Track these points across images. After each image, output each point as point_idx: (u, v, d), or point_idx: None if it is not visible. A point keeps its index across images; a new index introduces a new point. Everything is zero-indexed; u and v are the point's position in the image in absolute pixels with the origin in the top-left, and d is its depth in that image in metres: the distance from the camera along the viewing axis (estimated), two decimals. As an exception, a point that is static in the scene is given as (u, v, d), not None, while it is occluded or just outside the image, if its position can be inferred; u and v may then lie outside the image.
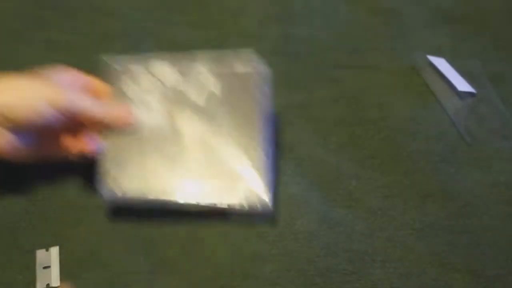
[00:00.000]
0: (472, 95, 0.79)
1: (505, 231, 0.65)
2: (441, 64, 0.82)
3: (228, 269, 0.61)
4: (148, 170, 0.62)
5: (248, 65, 0.66)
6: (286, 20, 0.90)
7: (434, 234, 0.65)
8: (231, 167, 0.62)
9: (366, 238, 0.64)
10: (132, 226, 0.64)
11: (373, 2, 0.94)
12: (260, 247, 0.63)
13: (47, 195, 0.66)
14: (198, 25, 0.89)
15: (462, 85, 0.79)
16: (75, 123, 0.63)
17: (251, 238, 0.64)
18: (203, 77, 0.66)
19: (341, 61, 0.84)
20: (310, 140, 0.72)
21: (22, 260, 0.62)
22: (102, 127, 0.64)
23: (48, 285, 0.60)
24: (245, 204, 0.61)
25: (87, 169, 0.65)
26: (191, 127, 0.64)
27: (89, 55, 0.83)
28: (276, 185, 0.67)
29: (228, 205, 0.61)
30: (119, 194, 0.62)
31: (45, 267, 0.61)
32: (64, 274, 0.61)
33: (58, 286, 0.60)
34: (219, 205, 0.61)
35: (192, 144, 0.63)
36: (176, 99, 0.65)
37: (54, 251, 0.62)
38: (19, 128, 0.59)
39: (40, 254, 0.62)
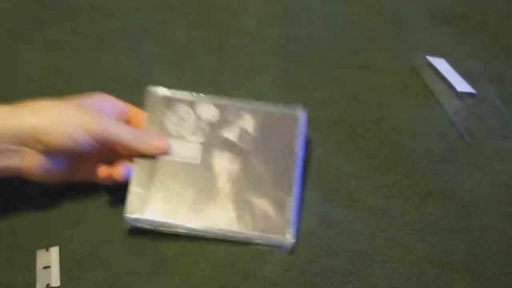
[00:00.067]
0: (472, 95, 0.79)
1: (505, 231, 0.65)
2: (441, 64, 0.82)
3: (228, 269, 0.61)
4: (174, 196, 0.63)
5: (285, 106, 0.69)
6: (286, 20, 0.90)
7: (434, 234, 0.65)
8: (257, 203, 0.64)
9: (366, 238, 0.64)
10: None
11: (373, 2, 0.94)
12: (260, 247, 0.63)
13: (48, 195, 0.66)
14: (198, 25, 0.89)
15: (461, 85, 0.79)
16: (108, 149, 0.64)
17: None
18: (239, 114, 0.68)
19: (341, 61, 0.84)
20: (310, 140, 0.72)
21: (22, 260, 0.62)
22: (135, 154, 0.64)
23: (48, 285, 0.60)
24: (268, 239, 0.62)
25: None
26: (221, 161, 0.65)
27: (89, 55, 0.83)
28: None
29: (251, 239, 0.62)
30: (143, 216, 0.62)
31: (45, 267, 0.61)
32: (64, 274, 0.61)
33: (58, 286, 0.60)
34: (241, 239, 0.62)
35: (221, 177, 0.65)
36: (210, 133, 0.67)
37: (54, 251, 0.62)
38: (51, 151, 0.60)
39: (40, 254, 0.62)
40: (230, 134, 0.67)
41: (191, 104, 0.68)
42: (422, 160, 0.72)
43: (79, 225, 0.65)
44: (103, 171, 0.64)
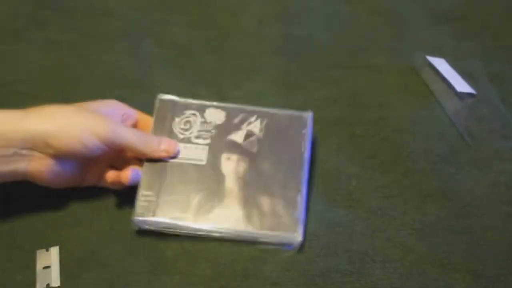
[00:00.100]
0: (471, 95, 0.79)
1: (505, 231, 0.65)
2: (441, 64, 0.82)
3: (228, 269, 0.61)
4: (182, 198, 0.64)
5: (292, 110, 0.70)
6: (286, 20, 0.90)
7: (434, 234, 0.65)
8: (265, 202, 0.64)
9: (366, 238, 0.64)
10: (132, 226, 0.64)
11: (373, 2, 0.94)
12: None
13: (48, 195, 0.66)
14: (198, 25, 0.89)
15: (461, 86, 0.79)
16: (116, 154, 0.65)
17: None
18: (245, 117, 0.69)
19: (341, 61, 0.84)
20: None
21: (22, 260, 0.62)
22: (143, 158, 0.65)
23: (48, 285, 0.60)
24: (277, 237, 0.62)
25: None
26: (228, 162, 0.66)
27: (89, 55, 0.83)
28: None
29: (259, 237, 0.63)
30: (152, 219, 0.62)
31: (45, 267, 0.61)
32: (64, 274, 0.61)
33: (58, 286, 0.60)
34: (250, 238, 0.63)
35: (229, 177, 0.65)
36: (217, 135, 0.67)
37: (54, 251, 0.62)
38: (61, 156, 0.60)
39: (40, 254, 0.62)
40: (237, 136, 0.68)
41: (198, 109, 0.69)
42: (422, 160, 0.72)
43: (79, 225, 0.65)
44: (112, 176, 0.64)
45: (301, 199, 0.64)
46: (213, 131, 0.68)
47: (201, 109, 0.69)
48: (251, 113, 0.69)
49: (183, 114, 0.69)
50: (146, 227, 0.63)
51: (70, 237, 0.63)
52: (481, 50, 0.86)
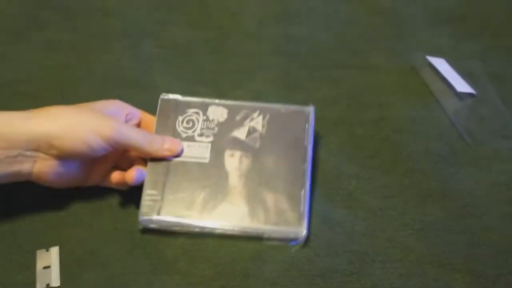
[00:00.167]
0: (471, 95, 0.79)
1: (505, 231, 0.65)
2: (441, 64, 0.82)
3: (228, 269, 0.61)
4: (186, 196, 0.64)
5: (293, 105, 0.71)
6: (286, 20, 0.90)
7: (434, 234, 0.65)
8: (269, 198, 0.64)
9: (366, 238, 0.64)
10: (132, 226, 0.64)
11: (373, 2, 0.94)
12: (260, 247, 0.63)
13: (48, 195, 0.66)
14: (198, 25, 0.89)
15: (461, 86, 0.79)
16: (120, 154, 0.66)
17: (251, 238, 0.64)
18: (247, 114, 0.69)
19: (341, 61, 0.84)
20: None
21: (22, 260, 0.62)
22: (147, 157, 0.66)
23: (48, 285, 0.60)
24: (281, 232, 0.63)
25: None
26: (231, 159, 0.66)
27: (89, 55, 0.83)
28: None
29: (264, 233, 0.63)
30: (157, 217, 0.63)
31: (45, 267, 0.61)
32: (64, 274, 0.61)
33: (58, 286, 0.60)
34: (255, 233, 0.63)
35: (232, 174, 0.66)
36: (219, 133, 0.68)
37: (54, 251, 0.62)
38: (65, 156, 0.60)
39: (40, 254, 0.62)
40: (239, 133, 0.68)
41: (201, 107, 0.70)
42: (422, 160, 0.72)
43: (79, 225, 0.65)
44: (116, 176, 0.65)
45: (304, 193, 0.65)
46: (216, 128, 0.68)
47: (204, 107, 0.70)
48: (253, 109, 0.70)
49: (185, 112, 0.69)
50: (152, 226, 0.63)
51: (70, 237, 0.63)
52: (481, 50, 0.86)
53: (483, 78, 0.81)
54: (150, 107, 0.71)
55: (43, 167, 0.60)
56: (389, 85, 0.81)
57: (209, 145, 0.67)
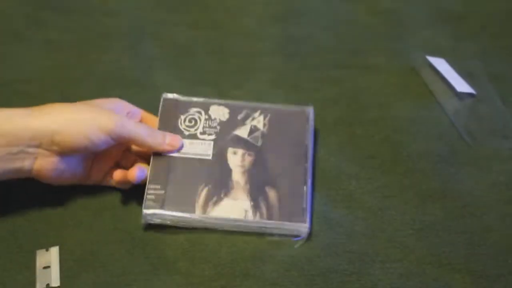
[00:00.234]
0: (471, 95, 0.79)
1: (505, 231, 0.65)
2: (441, 64, 0.82)
3: (228, 269, 0.61)
4: (189, 191, 0.65)
5: (294, 105, 0.72)
6: (286, 20, 0.90)
7: (434, 234, 0.65)
8: (272, 193, 0.65)
9: (366, 238, 0.64)
10: (132, 226, 0.64)
11: (373, 2, 0.94)
12: (260, 247, 0.63)
13: (47, 195, 0.66)
14: (198, 25, 0.89)
15: (461, 86, 0.79)
16: (123, 152, 0.66)
17: (251, 238, 0.64)
18: (249, 113, 0.70)
19: (341, 61, 0.84)
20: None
21: (22, 260, 0.62)
22: (148, 151, 0.66)
23: (48, 285, 0.60)
24: (284, 227, 0.63)
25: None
26: (233, 156, 0.67)
27: (89, 55, 0.83)
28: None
29: (267, 228, 0.63)
30: (160, 211, 0.63)
31: (45, 267, 0.61)
32: (64, 274, 0.61)
33: (58, 286, 0.60)
34: (257, 228, 0.63)
35: (235, 171, 0.66)
36: (221, 131, 0.69)
37: (54, 251, 0.62)
38: (67, 152, 0.61)
39: (40, 254, 0.62)
40: (241, 131, 0.69)
41: (202, 107, 0.71)
42: (422, 160, 0.72)
43: (79, 225, 0.65)
44: (119, 174, 0.65)
45: (307, 190, 0.65)
46: (218, 127, 0.69)
47: (205, 107, 0.71)
48: (254, 109, 0.71)
49: (187, 112, 0.70)
50: (155, 220, 0.63)
51: (70, 237, 0.63)
52: (481, 50, 0.86)
53: (483, 78, 0.81)
54: (150, 107, 0.71)
55: (44, 164, 0.60)
56: (389, 85, 0.81)
57: (212, 143, 0.68)
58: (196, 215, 0.63)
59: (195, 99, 0.71)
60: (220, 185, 0.65)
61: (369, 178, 0.70)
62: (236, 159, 0.67)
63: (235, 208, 0.64)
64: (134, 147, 0.67)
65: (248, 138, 0.69)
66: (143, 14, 0.90)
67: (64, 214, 0.65)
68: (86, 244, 0.63)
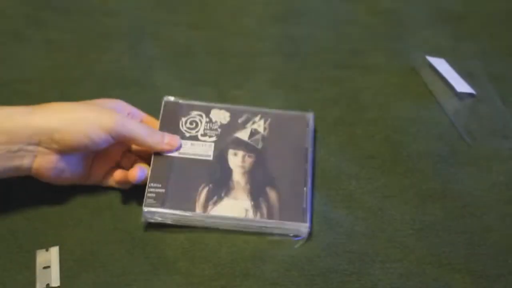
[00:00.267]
0: (471, 96, 0.79)
1: (505, 231, 0.65)
2: (441, 64, 0.82)
3: (228, 269, 0.61)
4: (190, 190, 0.65)
5: (294, 110, 0.73)
6: (286, 20, 0.90)
7: (434, 234, 0.65)
8: (273, 194, 0.65)
9: (366, 238, 0.64)
10: (132, 226, 0.64)
11: (373, 2, 0.94)
12: (260, 247, 0.63)
13: (48, 195, 0.66)
14: (198, 25, 0.89)
15: (461, 86, 0.79)
16: (123, 152, 0.66)
17: (251, 238, 0.64)
18: (250, 117, 0.71)
19: (341, 61, 0.84)
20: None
21: (22, 260, 0.62)
22: (148, 150, 0.66)
23: (48, 285, 0.60)
24: (285, 227, 0.63)
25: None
26: (234, 157, 0.68)
27: (89, 55, 0.83)
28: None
29: (268, 227, 0.64)
30: (160, 210, 0.63)
31: (45, 267, 0.61)
32: (64, 274, 0.61)
33: (58, 286, 0.60)
34: (258, 228, 0.64)
35: (235, 171, 0.67)
36: (222, 133, 0.69)
37: (54, 251, 0.62)
38: (67, 151, 0.61)
39: (40, 254, 0.62)
40: (242, 134, 0.70)
41: (204, 110, 0.71)
42: (422, 160, 0.72)
43: (79, 225, 0.65)
44: (119, 174, 0.65)
45: (307, 190, 0.66)
46: (219, 130, 0.70)
47: (206, 110, 0.71)
48: (255, 113, 0.71)
49: (189, 114, 0.71)
50: (155, 218, 0.63)
51: (70, 237, 0.63)
52: (481, 50, 0.86)
53: (483, 78, 0.81)
54: (150, 107, 0.71)
55: (44, 162, 0.60)
56: (389, 85, 0.81)
57: (212, 144, 0.68)
58: (196, 214, 0.63)
59: (196, 102, 0.72)
60: (221, 185, 0.65)
61: (369, 178, 0.70)
62: (237, 160, 0.67)
63: (235, 207, 0.64)
64: (134, 147, 0.67)
65: (249, 141, 0.69)
66: (143, 14, 0.90)
67: (64, 214, 0.65)
68: (86, 244, 0.63)
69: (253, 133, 0.70)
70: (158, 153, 0.66)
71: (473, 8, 0.93)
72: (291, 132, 0.70)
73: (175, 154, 0.67)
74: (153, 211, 0.63)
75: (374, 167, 0.71)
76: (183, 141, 0.68)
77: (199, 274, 0.61)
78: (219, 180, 0.66)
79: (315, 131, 0.72)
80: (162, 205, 0.63)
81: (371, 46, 0.87)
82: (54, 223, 0.65)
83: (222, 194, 0.65)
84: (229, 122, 0.70)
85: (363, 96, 0.79)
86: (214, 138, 0.69)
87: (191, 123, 0.70)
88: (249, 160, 0.67)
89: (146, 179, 0.65)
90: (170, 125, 0.69)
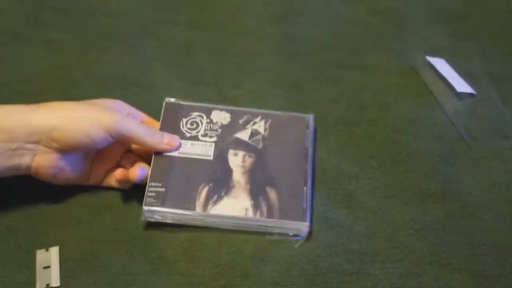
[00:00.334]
0: (471, 95, 0.79)
1: (505, 231, 0.65)
2: (441, 64, 0.82)
3: (229, 269, 0.61)
4: (190, 189, 0.65)
5: (294, 112, 0.73)
6: (286, 20, 0.90)
7: (434, 234, 0.65)
8: (273, 193, 0.65)
9: (366, 238, 0.64)
10: (132, 226, 0.64)
11: (373, 2, 0.94)
12: (260, 247, 0.63)
13: (48, 195, 0.66)
14: (198, 25, 0.89)
15: (461, 86, 0.79)
16: (122, 151, 0.66)
17: (251, 238, 0.64)
18: (250, 118, 0.71)
19: (341, 61, 0.84)
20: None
21: (22, 260, 0.62)
22: (147, 149, 0.66)
23: (48, 285, 0.60)
24: (285, 226, 0.64)
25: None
26: (234, 157, 0.68)
27: (89, 55, 0.83)
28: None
29: (268, 226, 0.64)
30: (161, 209, 0.63)
31: (45, 267, 0.61)
32: (64, 274, 0.61)
33: (58, 286, 0.60)
34: (258, 227, 0.64)
35: (235, 171, 0.67)
36: (222, 134, 0.69)
37: (54, 251, 0.62)
38: (66, 149, 0.61)
39: (40, 254, 0.62)
40: (242, 135, 0.70)
41: (205, 111, 0.71)
42: (422, 160, 0.72)
43: (79, 225, 0.65)
44: (120, 173, 0.65)
45: (307, 190, 0.66)
46: (219, 130, 0.70)
47: (207, 111, 0.71)
48: (255, 115, 0.72)
49: (189, 115, 0.71)
50: (155, 217, 0.63)
51: (70, 237, 0.63)
52: (481, 50, 0.86)
53: (483, 78, 0.81)
54: (150, 107, 0.71)
55: (43, 161, 0.60)
56: (389, 85, 0.81)
57: (213, 144, 0.68)
58: (196, 214, 0.63)
59: (197, 104, 0.72)
60: (221, 184, 0.66)
61: (369, 178, 0.70)
62: (237, 160, 0.68)
63: (235, 206, 0.64)
64: (134, 147, 0.67)
65: (249, 141, 0.69)
66: (143, 14, 0.90)
67: (64, 214, 0.65)
68: (86, 244, 0.63)
69: (254, 133, 0.70)
70: (159, 153, 0.66)
71: (473, 8, 0.93)
72: (291, 133, 0.71)
73: (175, 153, 0.67)
74: (153, 210, 0.63)
75: (374, 167, 0.71)
76: (184, 141, 0.68)
77: (199, 274, 0.61)
78: (219, 179, 0.66)
79: (315, 131, 0.72)
80: (162, 204, 0.63)
81: (371, 46, 0.87)
82: (54, 223, 0.65)
83: (222, 193, 0.65)
84: (229, 123, 0.70)
85: (363, 96, 0.79)
86: (214, 139, 0.69)
87: (191, 123, 0.70)
88: (249, 160, 0.68)
89: (146, 178, 0.65)
90: (170, 125, 0.69)
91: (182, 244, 0.63)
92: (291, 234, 0.64)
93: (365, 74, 0.82)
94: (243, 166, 0.67)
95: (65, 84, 0.79)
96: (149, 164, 0.66)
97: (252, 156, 0.68)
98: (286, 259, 0.62)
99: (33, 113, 0.59)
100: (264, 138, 0.70)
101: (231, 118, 0.71)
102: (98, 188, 0.67)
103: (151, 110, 0.70)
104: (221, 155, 0.68)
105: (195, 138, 0.69)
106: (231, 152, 0.68)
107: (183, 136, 0.68)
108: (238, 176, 0.66)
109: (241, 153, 0.68)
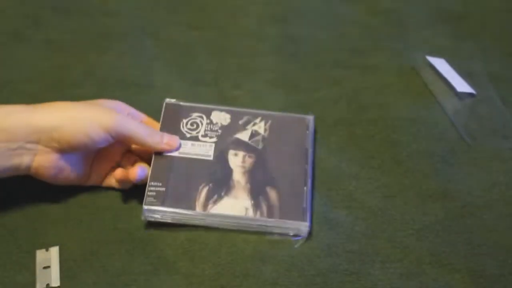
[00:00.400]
0: (471, 95, 0.79)
1: (505, 231, 0.65)
2: (441, 64, 0.82)
3: (228, 269, 0.61)
4: (190, 189, 0.65)
5: (294, 113, 0.73)
6: (286, 20, 0.90)
7: (434, 234, 0.65)
8: (273, 193, 0.65)
9: (366, 238, 0.64)
10: (132, 226, 0.64)
11: (373, 2, 0.94)
12: (260, 247, 0.63)
13: (48, 195, 0.66)
14: (198, 25, 0.89)
15: (461, 86, 0.79)
16: (122, 152, 0.66)
17: (251, 238, 0.64)
18: (250, 119, 0.71)
19: (341, 61, 0.84)
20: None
21: (22, 260, 0.62)
22: (147, 149, 0.66)
23: (48, 285, 0.60)
24: (285, 226, 0.64)
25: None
26: (234, 157, 0.68)
27: (89, 55, 0.83)
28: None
29: (268, 226, 0.64)
30: (161, 208, 0.63)
31: (45, 267, 0.61)
32: (64, 274, 0.61)
33: (58, 286, 0.60)
34: (258, 227, 0.64)
35: (236, 171, 0.67)
36: (222, 134, 0.69)
37: (54, 251, 0.62)
38: (66, 149, 0.61)
39: (40, 254, 0.62)
40: (243, 135, 0.70)
41: (205, 112, 0.72)
42: (422, 160, 0.72)
43: (79, 225, 0.65)
44: (120, 173, 0.65)
45: (307, 190, 0.66)
46: (219, 131, 0.70)
47: (207, 112, 0.71)
48: (255, 116, 0.72)
49: (189, 116, 0.71)
50: (155, 216, 0.63)
51: (70, 237, 0.63)
52: (481, 50, 0.86)
53: (483, 78, 0.81)
54: (150, 107, 0.71)
55: (43, 161, 0.60)
56: (389, 85, 0.81)
57: (213, 145, 0.69)
58: (196, 213, 0.63)
59: (197, 104, 0.72)
60: (221, 184, 0.66)
61: (369, 178, 0.70)
62: (237, 160, 0.68)
63: (235, 206, 0.64)
64: (134, 147, 0.67)
65: (249, 142, 0.69)
66: (143, 14, 0.90)
67: (64, 214, 0.65)
68: (86, 244, 0.63)
69: (254, 134, 0.70)
70: (159, 153, 0.66)
71: (473, 8, 0.93)
72: (291, 133, 0.71)
73: (175, 153, 0.67)
74: (153, 209, 0.63)
75: (374, 167, 0.71)
76: (184, 142, 0.68)
77: (199, 274, 0.61)
78: (219, 179, 0.66)
79: (315, 131, 0.72)
80: (162, 204, 0.63)
81: (371, 46, 0.87)
82: (54, 223, 0.65)
83: (222, 193, 0.65)
84: (229, 124, 0.71)
85: (363, 96, 0.79)
86: (214, 139, 0.69)
87: (191, 124, 0.70)
88: (249, 160, 0.68)
89: (146, 178, 0.65)
90: (171, 126, 0.69)
91: (182, 244, 0.63)
92: (291, 234, 0.64)
93: (365, 74, 0.82)
94: (243, 166, 0.67)
95: (65, 84, 0.79)
96: (149, 164, 0.66)
97: (252, 157, 0.68)
98: (286, 259, 0.62)
99: (33, 113, 0.59)
100: (264, 138, 0.70)
101: (231, 119, 0.71)
102: (98, 188, 0.67)
103: (151, 110, 0.70)
104: (221, 155, 0.68)
105: (195, 138, 0.69)
106: (231, 152, 0.68)
107: (183, 137, 0.69)
108: (238, 176, 0.66)
109: (241, 154, 0.68)
